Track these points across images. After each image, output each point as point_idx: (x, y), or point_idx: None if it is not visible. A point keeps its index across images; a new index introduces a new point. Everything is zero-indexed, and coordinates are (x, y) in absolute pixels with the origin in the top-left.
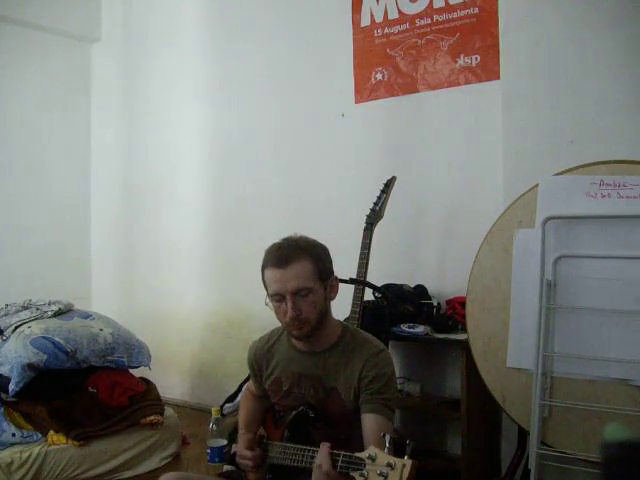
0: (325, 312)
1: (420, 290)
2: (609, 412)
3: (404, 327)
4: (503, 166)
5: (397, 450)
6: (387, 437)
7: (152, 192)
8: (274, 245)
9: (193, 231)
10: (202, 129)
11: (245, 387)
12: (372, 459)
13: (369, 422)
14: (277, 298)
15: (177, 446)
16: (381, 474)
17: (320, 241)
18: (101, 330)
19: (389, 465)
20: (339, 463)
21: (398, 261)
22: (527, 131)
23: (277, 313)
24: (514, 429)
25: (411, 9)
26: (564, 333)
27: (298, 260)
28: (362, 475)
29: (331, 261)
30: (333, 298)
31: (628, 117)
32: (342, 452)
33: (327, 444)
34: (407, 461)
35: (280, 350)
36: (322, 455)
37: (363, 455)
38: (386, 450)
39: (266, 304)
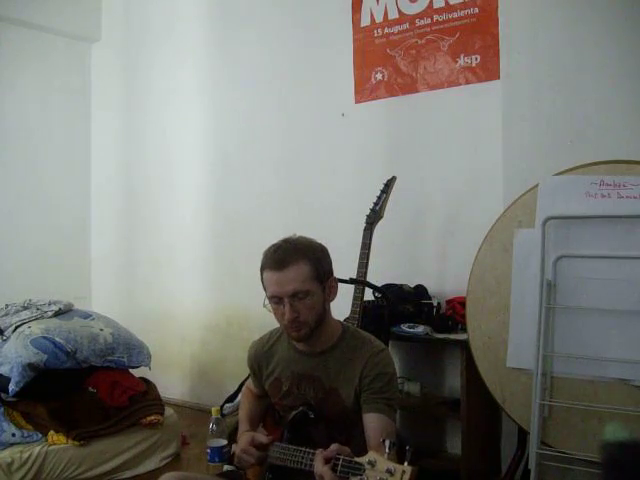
0: (324, 313)
1: (420, 290)
2: (609, 412)
3: (404, 327)
4: (503, 166)
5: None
6: (387, 442)
7: (152, 192)
8: (272, 246)
9: (193, 231)
10: (202, 129)
11: (245, 385)
12: (372, 464)
13: (372, 421)
14: (275, 300)
15: (177, 446)
16: None
17: (320, 241)
18: (101, 330)
19: (389, 471)
20: (339, 467)
21: (398, 261)
22: (527, 131)
23: (275, 315)
24: (514, 429)
25: (411, 9)
26: (564, 333)
27: (296, 263)
28: None
29: (330, 262)
30: (332, 299)
31: (628, 117)
32: (342, 457)
33: (321, 451)
34: (407, 467)
35: (280, 350)
36: (319, 465)
37: (363, 460)
38: (386, 455)
39: (264, 306)
